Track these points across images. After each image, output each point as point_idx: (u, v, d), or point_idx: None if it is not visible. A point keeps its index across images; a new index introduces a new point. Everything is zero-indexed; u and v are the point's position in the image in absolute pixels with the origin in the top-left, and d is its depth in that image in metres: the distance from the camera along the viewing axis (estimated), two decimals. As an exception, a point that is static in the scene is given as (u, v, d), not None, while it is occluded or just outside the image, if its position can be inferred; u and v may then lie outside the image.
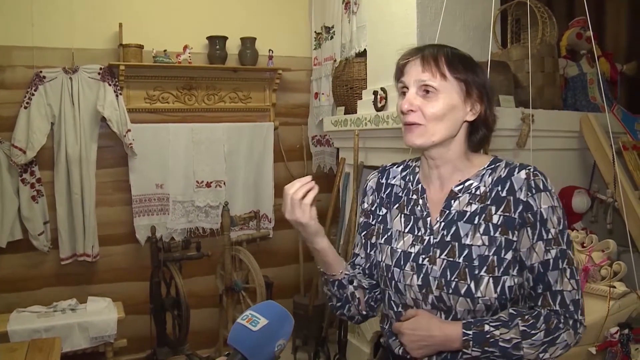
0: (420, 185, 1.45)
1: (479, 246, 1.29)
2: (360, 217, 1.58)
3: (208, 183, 4.06)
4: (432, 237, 1.36)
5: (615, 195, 2.78)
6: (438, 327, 1.30)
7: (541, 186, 1.28)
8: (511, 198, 1.29)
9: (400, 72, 1.38)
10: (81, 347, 3.32)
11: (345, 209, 3.76)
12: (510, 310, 1.28)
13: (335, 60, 4.01)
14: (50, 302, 3.56)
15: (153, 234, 3.69)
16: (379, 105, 3.21)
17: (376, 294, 1.54)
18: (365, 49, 3.58)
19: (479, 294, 1.27)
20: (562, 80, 3.28)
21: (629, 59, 3.46)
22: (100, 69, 3.71)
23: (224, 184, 4.09)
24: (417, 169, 1.49)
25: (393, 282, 1.41)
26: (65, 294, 3.69)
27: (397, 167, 1.55)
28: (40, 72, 3.60)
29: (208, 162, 4.05)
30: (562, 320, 1.25)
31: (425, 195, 1.42)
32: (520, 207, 1.28)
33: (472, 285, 1.28)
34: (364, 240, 1.54)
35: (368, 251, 1.53)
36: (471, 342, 1.25)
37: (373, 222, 1.52)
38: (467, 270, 1.29)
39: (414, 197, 1.44)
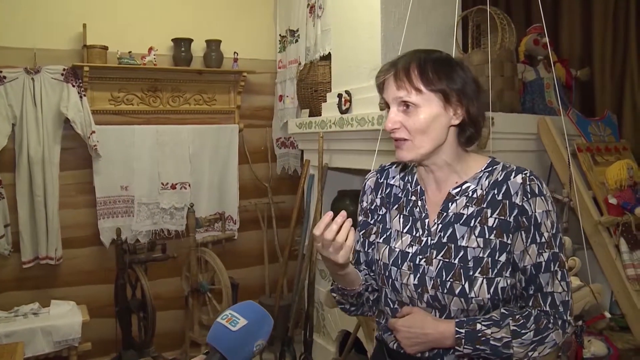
0: (419, 187, 1.47)
1: (474, 248, 1.33)
2: (359, 215, 1.60)
3: (173, 185, 4.05)
4: (429, 238, 1.40)
5: (571, 195, 2.90)
6: (432, 325, 1.34)
7: (536, 191, 1.31)
8: (507, 202, 1.32)
9: (379, 88, 1.40)
10: (44, 352, 3.26)
11: (309, 210, 3.80)
12: (502, 310, 1.32)
13: (299, 63, 4.05)
14: (12, 306, 3.49)
15: (118, 236, 3.66)
16: (344, 107, 3.27)
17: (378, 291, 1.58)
18: (329, 53, 3.63)
19: (472, 294, 1.31)
20: (521, 85, 3.39)
21: (582, 65, 3.60)
22: (64, 69, 3.66)
23: (189, 185, 4.09)
24: (415, 170, 1.51)
25: (390, 280, 1.44)
26: (27, 298, 3.62)
27: (395, 167, 1.57)
28: (0, 72, 3.53)
29: (173, 164, 4.04)
30: (551, 321, 1.30)
31: (424, 197, 1.45)
32: (516, 211, 1.31)
33: (467, 286, 1.31)
34: (362, 239, 1.57)
35: (366, 249, 1.56)
36: (463, 340, 1.29)
37: (371, 221, 1.55)
38: (462, 271, 1.32)
39: (413, 198, 1.47)
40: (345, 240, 1.27)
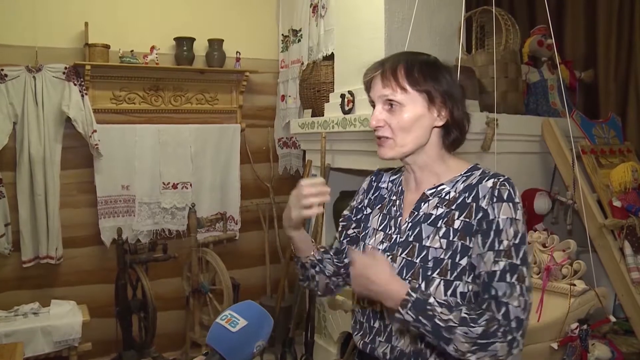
0: (400, 188, 1.50)
1: (436, 248, 1.32)
2: (345, 211, 1.65)
3: (174, 184, 4.03)
4: (398, 236, 1.41)
5: (575, 197, 2.88)
6: (384, 278, 1.27)
7: (505, 196, 1.28)
8: (474, 205, 1.31)
9: (366, 86, 1.43)
10: (44, 352, 3.24)
11: (312, 211, 3.77)
12: (458, 301, 1.29)
13: (302, 63, 4.03)
14: (12, 306, 3.47)
15: (119, 236, 3.65)
16: (347, 108, 3.25)
17: (339, 280, 1.62)
18: (332, 52, 3.62)
19: None
20: (524, 86, 3.37)
21: (586, 67, 3.58)
22: (65, 68, 3.64)
23: (191, 185, 4.07)
24: (404, 173, 1.54)
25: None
26: (27, 298, 3.60)
27: (390, 171, 1.61)
28: (2, 70, 3.52)
29: (174, 164, 4.02)
30: (501, 330, 1.21)
31: (402, 197, 1.48)
32: (480, 214, 1.29)
33: (423, 286, 1.30)
34: (341, 229, 1.62)
35: (340, 239, 1.61)
36: (410, 305, 1.22)
37: (354, 218, 1.60)
38: (420, 270, 1.32)
39: (394, 198, 1.50)
40: (310, 206, 1.41)
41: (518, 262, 1.25)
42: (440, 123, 1.37)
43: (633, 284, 2.69)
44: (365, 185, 1.63)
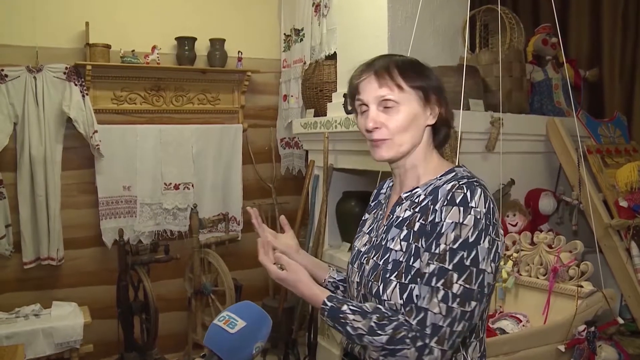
0: (389, 192, 1.50)
1: (396, 251, 1.31)
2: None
3: (176, 185, 4.01)
4: (376, 239, 1.41)
5: (581, 198, 2.85)
6: (305, 287, 1.35)
7: (457, 200, 1.23)
8: (432, 207, 1.27)
9: (355, 90, 1.37)
10: (45, 354, 3.22)
11: (314, 212, 3.76)
12: (378, 306, 1.28)
13: (304, 63, 4.02)
14: (13, 307, 3.45)
15: (120, 237, 3.63)
16: (349, 108, 3.21)
17: None
18: (335, 52, 3.60)
19: (385, 297, 1.27)
20: (529, 85, 3.35)
21: (590, 66, 3.55)
22: (66, 68, 3.62)
23: (192, 186, 4.05)
24: None
25: (348, 278, 1.48)
26: (28, 299, 3.58)
27: (391, 179, 1.58)
28: (2, 70, 3.50)
29: (176, 164, 4.00)
30: (409, 336, 1.17)
31: (387, 201, 1.48)
32: (432, 217, 1.26)
33: (381, 287, 1.29)
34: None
35: None
36: (326, 313, 1.28)
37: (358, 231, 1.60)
38: (381, 272, 1.31)
39: (383, 202, 1.50)
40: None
41: (449, 267, 1.18)
42: (433, 121, 1.36)
43: (640, 285, 2.66)
44: (371, 196, 1.63)
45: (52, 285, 3.76)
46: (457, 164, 1.49)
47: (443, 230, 1.21)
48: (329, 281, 1.56)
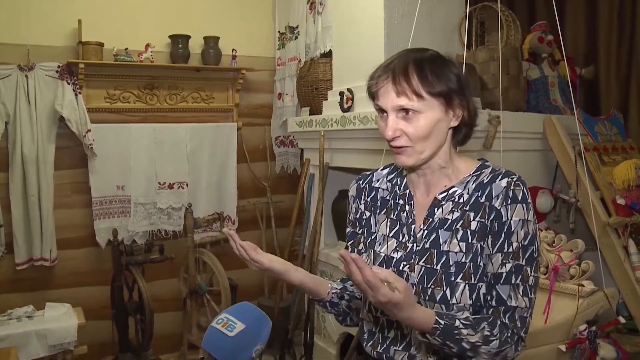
0: (407, 191, 1.43)
1: (456, 253, 1.28)
2: (347, 227, 1.57)
3: (170, 184, 3.98)
4: (415, 244, 1.35)
5: (578, 196, 2.84)
6: (418, 309, 1.19)
7: (519, 197, 1.25)
8: (487, 204, 1.27)
9: (374, 95, 1.33)
10: (39, 356, 3.17)
11: (310, 210, 3.74)
12: (476, 316, 1.26)
13: (299, 61, 3.99)
14: (5, 309, 3.39)
15: (115, 237, 3.59)
16: (346, 106, 3.21)
17: None
18: (330, 50, 3.58)
19: (454, 301, 1.26)
20: (525, 83, 3.34)
21: (587, 63, 3.54)
22: (59, 66, 3.58)
23: (187, 185, 4.02)
24: (404, 172, 1.46)
25: None
26: (21, 301, 3.52)
27: (382, 169, 1.54)
28: (-7, 68, 3.46)
29: (170, 163, 3.97)
30: (509, 334, 1.24)
31: (412, 202, 1.41)
32: (493, 215, 1.26)
33: (448, 292, 1.27)
34: (350, 249, 1.53)
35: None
36: (439, 332, 1.19)
37: (359, 231, 1.52)
38: (443, 276, 1.28)
39: (401, 202, 1.43)
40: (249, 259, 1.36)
41: (523, 262, 1.24)
42: (456, 123, 1.32)
43: (638, 283, 2.65)
44: (353, 192, 1.54)
45: (46, 286, 3.72)
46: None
47: (513, 229, 1.25)
48: (333, 293, 1.49)
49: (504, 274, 1.24)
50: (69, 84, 3.58)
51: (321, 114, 3.51)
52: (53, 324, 3.24)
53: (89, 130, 3.59)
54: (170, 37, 3.94)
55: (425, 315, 1.19)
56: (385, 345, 1.39)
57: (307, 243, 3.69)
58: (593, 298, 2.21)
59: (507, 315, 1.24)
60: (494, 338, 1.21)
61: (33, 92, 3.53)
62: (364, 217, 1.50)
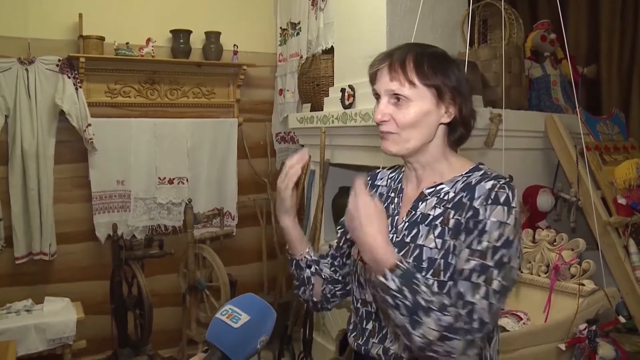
0: (400, 185, 1.45)
1: (430, 248, 1.27)
2: (344, 218, 1.56)
3: (170, 179, 3.97)
4: (395, 235, 1.35)
5: (579, 195, 2.84)
6: (373, 235, 1.18)
7: (501, 199, 1.22)
8: (468, 203, 1.25)
9: (372, 78, 1.36)
10: (38, 350, 3.17)
11: (310, 207, 3.74)
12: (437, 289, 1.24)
13: (301, 57, 3.98)
14: (4, 303, 3.39)
15: (114, 232, 3.59)
16: (347, 102, 3.20)
17: (336, 289, 1.56)
18: (332, 46, 3.57)
19: None
20: (527, 81, 3.33)
21: (588, 63, 3.54)
22: (59, 60, 3.57)
23: (187, 180, 4.02)
24: (404, 169, 1.48)
25: (356, 275, 1.43)
26: (20, 295, 3.52)
27: (388, 169, 1.56)
28: (-7, 62, 3.45)
29: (171, 159, 3.97)
30: (465, 328, 1.15)
31: (401, 195, 1.42)
32: (471, 213, 1.24)
33: None
34: (338, 234, 1.56)
35: (341, 244, 1.54)
36: (400, 272, 1.15)
37: None
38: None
39: (392, 195, 1.45)
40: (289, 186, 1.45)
41: (491, 263, 1.18)
42: (447, 120, 1.32)
43: (638, 283, 2.66)
44: None
45: (45, 280, 3.72)
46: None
47: (487, 228, 1.20)
48: (305, 257, 1.52)
49: (466, 270, 1.19)
50: (69, 78, 3.57)
51: (322, 110, 3.50)
52: (52, 318, 3.25)
53: (89, 125, 3.58)
54: (172, 32, 3.93)
55: (390, 249, 1.18)
56: (365, 338, 1.39)
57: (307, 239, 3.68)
58: (593, 297, 2.21)
59: (465, 309, 1.17)
60: (448, 314, 1.14)
61: (33, 85, 3.52)
62: None
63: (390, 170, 1.55)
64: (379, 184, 1.53)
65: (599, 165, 2.93)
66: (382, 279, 1.16)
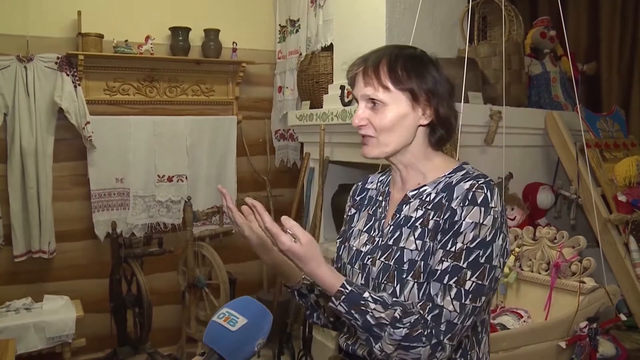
0: (387, 188, 1.44)
1: (411, 250, 1.27)
2: (343, 227, 1.57)
3: (170, 177, 3.96)
4: (380, 239, 1.36)
5: (579, 192, 2.83)
6: (322, 266, 1.19)
7: (478, 200, 1.21)
8: (447, 204, 1.25)
9: (350, 82, 1.37)
10: (37, 348, 3.17)
11: (309, 204, 3.73)
12: (396, 299, 1.24)
13: (300, 54, 3.97)
14: (3, 301, 3.39)
15: (113, 230, 3.58)
16: (346, 100, 3.20)
17: None
18: (331, 43, 3.56)
19: (402, 298, 1.24)
20: (527, 79, 3.32)
21: (588, 60, 3.53)
22: (58, 58, 3.55)
23: (186, 178, 4.00)
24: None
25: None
26: (19, 293, 3.52)
27: (379, 173, 1.55)
28: (-9, 59, 3.43)
29: (170, 156, 3.95)
30: (425, 334, 1.16)
31: (388, 198, 1.42)
32: (448, 214, 1.23)
33: (397, 288, 1.25)
34: (338, 244, 1.53)
35: (340, 253, 1.51)
36: (343, 297, 1.17)
37: (348, 229, 1.52)
38: (395, 273, 1.26)
39: (380, 198, 1.45)
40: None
41: (464, 265, 1.19)
42: (426, 122, 1.31)
43: (638, 280, 2.65)
44: (352, 192, 1.57)
45: (44, 278, 3.70)
46: (456, 157, 1.45)
47: (462, 230, 1.20)
48: (304, 283, 1.45)
49: (438, 272, 1.20)
50: (68, 75, 3.56)
51: (322, 107, 3.49)
52: (51, 317, 3.25)
53: (88, 123, 3.56)
54: (171, 29, 3.91)
55: (333, 277, 1.19)
56: (354, 338, 1.38)
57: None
58: (594, 295, 2.20)
59: (431, 314, 1.18)
60: (402, 326, 1.16)
61: (32, 83, 3.50)
62: (350, 214, 1.52)
63: (381, 174, 1.54)
64: (369, 187, 1.53)
65: (599, 163, 2.93)
66: (331, 305, 1.19)
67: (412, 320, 1.17)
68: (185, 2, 4.04)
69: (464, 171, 1.32)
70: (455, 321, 1.17)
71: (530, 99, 3.39)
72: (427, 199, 1.31)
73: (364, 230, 1.42)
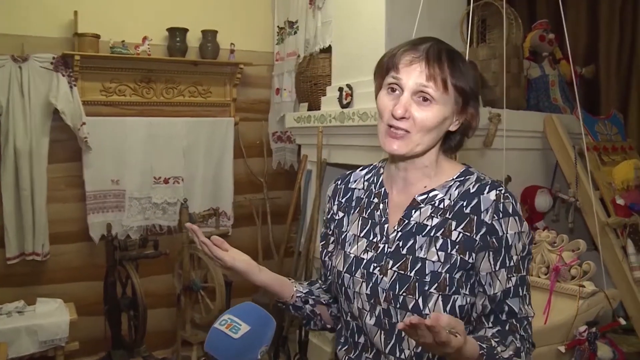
0: (383, 189, 1.36)
1: (433, 262, 1.22)
2: (322, 228, 1.52)
3: (166, 179, 3.94)
4: (386, 245, 1.28)
5: (577, 195, 2.83)
6: (471, 344, 1.10)
7: (510, 210, 1.21)
8: (475, 217, 1.21)
9: (394, 67, 1.23)
10: (29, 352, 3.12)
11: (306, 207, 3.72)
12: (494, 330, 1.23)
13: (298, 56, 3.96)
14: (-5, 304, 3.37)
15: (108, 232, 3.55)
16: (345, 101, 3.18)
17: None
18: (330, 45, 3.55)
19: (427, 311, 1.20)
20: (525, 82, 3.32)
21: (586, 63, 3.53)
22: (53, 58, 3.52)
23: (182, 180, 3.98)
24: (382, 170, 1.41)
25: (343, 288, 1.34)
26: (11, 296, 3.47)
27: (361, 170, 1.47)
28: (-14, 59, 3.40)
29: (166, 158, 3.92)
30: (527, 345, 1.25)
31: (386, 200, 1.34)
32: (484, 230, 1.20)
33: (420, 302, 1.20)
34: (321, 249, 1.48)
35: (325, 258, 1.46)
36: (484, 357, 1.12)
37: (330, 232, 1.46)
38: (417, 285, 1.21)
39: (375, 200, 1.36)
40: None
41: (524, 272, 1.26)
42: (454, 128, 1.27)
43: (636, 283, 2.65)
44: (329, 192, 1.49)
45: (37, 281, 3.67)
46: (455, 160, 1.42)
47: (511, 243, 1.23)
48: (297, 297, 1.43)
49: (512, 288, 1.23)
50: (64, 76, 3.53)
51: (319, 109, 3.48)
52: (44, 320, 3.20)
53: (84, 123, 3.53)
54: (168, 30, 3.89)
55: (472, 346, 1.09)
56: (357, 352, 1.34)
57: (304, 240, 3.67)
58: (594, 299, 2.20)
59: (522, 327, 1.25)
60: (522, 351, 1.23)
61: (27, 83, 3.47)
62: (336, 217, 1.43)
63: (365, 171, 1.46)
64: (353, 187, 1.44)
65: (598, 166, 2.92)
66: None
67: (521, 341, 1.24)
68: (182, 3, 4.03)
69: (474, 175, 1.29)
70: (531, 321, 1.29)
71: (529, 102, 3.38)
72: (441, 206, 1.26)
73: (361, 235, 1.34)
